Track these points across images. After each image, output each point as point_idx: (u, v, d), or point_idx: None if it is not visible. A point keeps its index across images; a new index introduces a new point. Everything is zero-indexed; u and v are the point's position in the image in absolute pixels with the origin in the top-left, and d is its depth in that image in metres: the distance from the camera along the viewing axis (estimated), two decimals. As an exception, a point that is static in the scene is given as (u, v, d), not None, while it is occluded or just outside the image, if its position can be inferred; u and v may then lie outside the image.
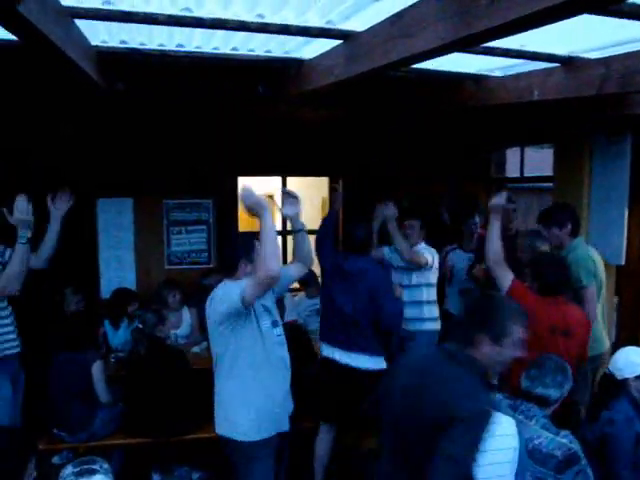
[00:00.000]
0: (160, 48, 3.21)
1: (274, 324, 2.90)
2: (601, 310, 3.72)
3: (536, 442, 2.39)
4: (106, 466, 2.12)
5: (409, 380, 2.08)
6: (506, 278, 3.20)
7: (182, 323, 4.85)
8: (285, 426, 2.90)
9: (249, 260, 2.80)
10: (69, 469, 2.07)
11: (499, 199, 3.40)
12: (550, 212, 3.78)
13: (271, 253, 2.58)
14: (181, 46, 3.20)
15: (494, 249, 3.27)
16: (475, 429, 1.86)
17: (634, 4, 2.12)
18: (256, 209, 2.61)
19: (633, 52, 2.74)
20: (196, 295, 4.65)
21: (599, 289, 3.60)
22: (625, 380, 2.90)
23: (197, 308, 4.67)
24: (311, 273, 5.20)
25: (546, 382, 2.54)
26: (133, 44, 3.13)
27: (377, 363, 3.57)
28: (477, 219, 5.03)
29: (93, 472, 2.05)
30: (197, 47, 3.22)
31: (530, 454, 2.37)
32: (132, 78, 3.82)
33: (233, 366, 2.79)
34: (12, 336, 3.59)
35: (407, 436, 2.02)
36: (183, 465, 4.06)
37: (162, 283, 4.88)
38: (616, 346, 3.70)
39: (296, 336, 3.99)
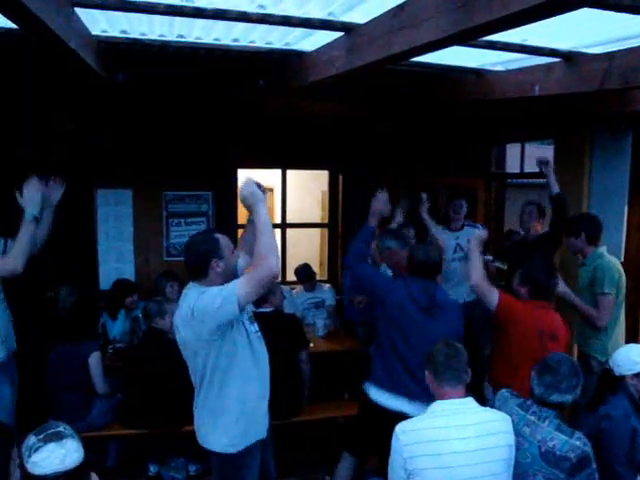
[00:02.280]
0: (161, 39, 3.20)
1: (251, 320, 2.70)
2: (623, 319, 3.77)
3: (550, 444, 2.36)
4: (69, 428, 2.03)
5: None
6: (492, 295, 3.21)
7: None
8: (265, 430, 2.75)
9: (219, 257, 2.53)
10: (32, 439, 1.92)
11: (483, 233, 3.61)
12: (568, 222, 3.89)
13: (270, 248, 2.40)
14: (182, 37, 3.19)
15: (477, 274, 3.29)
16: None
17: (636, -1, 2.12)
18: (250, 200, 2.49)
19: (635, 48, 2.73)
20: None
21: (620, 300, 3.68)
22: (623, 377, 2.90)
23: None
24: (309, 267, 5.21)
25: (562, 388, 2.45)
26: (134, 34, 3.12)
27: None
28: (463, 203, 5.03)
29: (61, 436, 1.91)
30: (198, 38, 3.21)
31: (543, 456, 2.35)
32: (133, 69, 3.82)
33: (225, 377, 2.54)
34: (11, 333, 3.57)
35: None
36: (180, 457, 4.08)
37: (160, 274, 4.88)
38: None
39: (290, 325, 4.01)
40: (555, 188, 3.99)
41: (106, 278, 5.21)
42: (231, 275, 2.61)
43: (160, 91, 4.52)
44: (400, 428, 2.25)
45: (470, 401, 2.27)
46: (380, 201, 3.38)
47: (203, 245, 2.57)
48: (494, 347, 3.48)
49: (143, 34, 3.13)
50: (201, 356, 2.53)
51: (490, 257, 4.42)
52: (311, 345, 4.27)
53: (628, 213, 4.48)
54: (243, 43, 3.26)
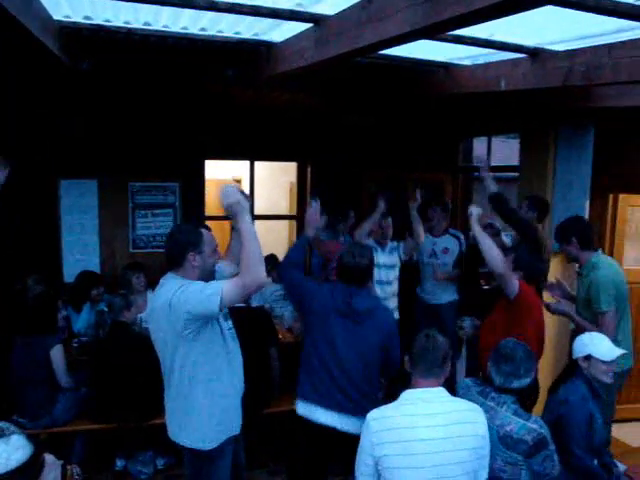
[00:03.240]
0: (126, 26, 3.13)
1: (225, 317, 2.66)
2: (630, 326, 3.67)
3: (507, 428, 2.42)
4: (13, 425, 1.95)
5: None
6: (513, 280, 3.17)
7: (146, 307, 4.78)
8: (239, 427, 2.73)
9: (197, 251, 2.51)
10: None
11: (478, 209, 3.39)
12: (557, 229, 3.71)
13: (257, 257, 2.36)
14: (148, 24, 3.12)
15: (497, 263, 3.17)
16: None
17: (599, -2, 2.16)
18: (235, 209, 2.43)
19: (597, 46, 2.79)
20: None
21: (622, 307, 3.55)
22: (577, 360, 3.00)
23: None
24: (274, 257, 5.20)
25: (520, 374, 2.53)
26: (98, 20, 3.04)
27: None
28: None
29: (2, 433, 1.87)
30: (165, 26, 3.15)
31: (502, 440, 2.41)
32: (98, 56, 3.72)
33: (196, 374, 2.51)
34: None
35: None
36: (147, 450, 4.05)
37: (126, 265, 4.81)
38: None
39: (260, 319, 4.00)
40: (491, 188, 3.95)
41: (70, 271, 5.10)
42: (208, 274, 2.59)
43: (126, 80, 4.43)
44: (371, 415, 2.28)
45: (441, 391, 2.30)
46: (312, 211, 3.25)
47: (184, 235, 2.56)
48: (487, 339, 3.37)
49: (108, 20, 3.05)
50: (173, 349, 2.50)
51: (498, 226, 4.39)
52: (280, 337, 4.27)
53: (590, 206, 4.60)
54: (211, 33, 3.22)
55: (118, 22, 3.08)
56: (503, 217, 3.91)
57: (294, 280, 3.12)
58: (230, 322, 2.70)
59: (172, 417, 2.66)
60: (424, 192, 4.65)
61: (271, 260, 5.26)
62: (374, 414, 2.28)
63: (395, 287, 4.66)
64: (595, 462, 2.92)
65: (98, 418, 3.78)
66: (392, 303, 4.57)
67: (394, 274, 4.63)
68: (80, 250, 5.29)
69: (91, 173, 5.20)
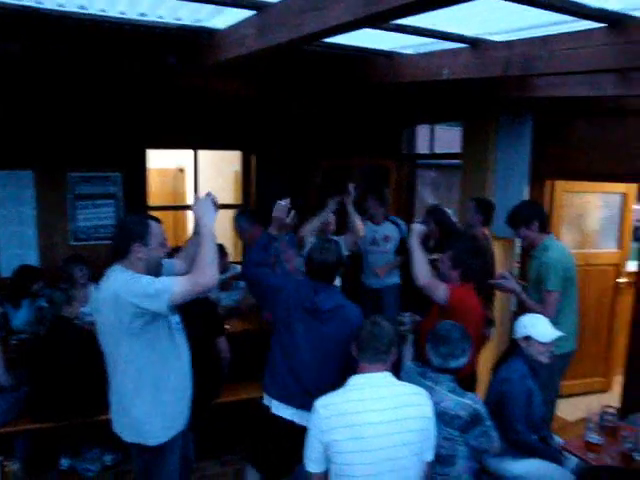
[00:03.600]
0: (59, 9, 2.99)
1: (173, 311, 2.57)
2: (575, 309, 3.76)
3: (443, 405, 2.53)
4: None
5: None
6: (440, 289, 3.22)
7: (89, 301, 4.64)
8: (186, 420, 2.71)
9: (143, 243, 2.48)
10: None
11: (421, 227, 3.46)
12: (516, 211, 3.75)
13: (211, 260, 2.44)
14: (83, 8, 2.99)
15: (422, 274, 3.26)
16: None
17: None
18: (200, 213, 2.56)
19: (534, 37, 2.87)
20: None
21: (569, 291, 3.64)
22: (517, 340, 3.14)
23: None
24: (220, 245, 5.13)
25: (457, 354, 2.67)
26: (27, 2, 2.89)
27: None
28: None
29: None
30: (102, 10, 3.03)
31: (439, 416, 2.50)
32: (30, 40, 3.55)
33: (143, 369, 2.47)
34: None
35: None
36: (94, 447, 3.96)
37: (68, 258, 4.65)
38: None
39: (206, 311, 3.95)
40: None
41: (7, 265, 4.88)
42: (154, 268, 2.56)
43: (61, 66, 4.24)
44: (319, 402, 2.31)
45: (387, 375, 2.35)
46: (280, 210, 3.27)
47: (131, 226, 2.55)
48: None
49: (39, 2, 2.90)
50: (118, 343, 2.46)
51: (435, 256, 4.48)
52: (227, 327, 4.24)
53: (529, 193, 4.76)
54: (151, 18, 3.12)
55: (50, 4, 2.93)
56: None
57: (254, 277, 3.15)
58: (178, 316, 2.66)
59: (118, 413, 2.61)
60: (357, 185, 4.65)
61: (218, 250, 5.21)
62: (322, 401, 2.31)
63: (337, 283, 4.57)
64: (535, 437, 3.08)
65: (40, 417, 3.66)
66: None
67: None
68: (17, 244, 5.07)
69: (26, 164, 4.97)
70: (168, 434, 2.59)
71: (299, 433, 2.76)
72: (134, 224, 2.55)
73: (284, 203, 3.28)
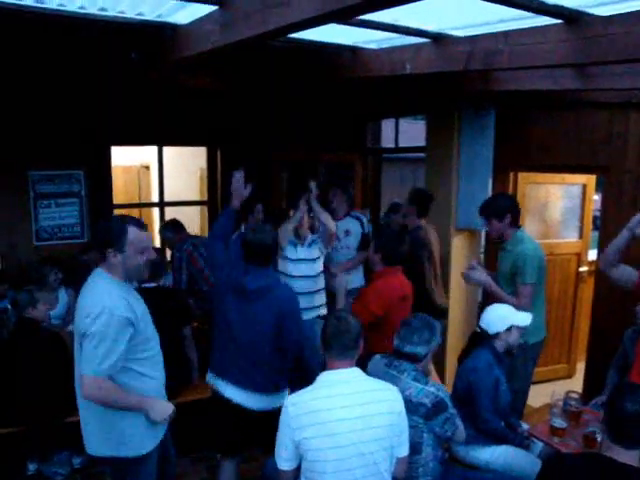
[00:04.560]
0: (16, 2, 2.90)
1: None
2: (544, 299, 3.79)
3: (406, 393, 2.55)
4: None
5: None
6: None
7: (57, 303, 4.54)
8: (164, 429, 2.64)
9: (118, 249, 2.36)
10: None
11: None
12: (489, 202, 3.75)
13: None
14: (40, 2, 2.92)
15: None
16: None
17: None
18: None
19: (494, 33, 2.93)
20: (74, 273, 4.38)
21: (540, 282, 3.64)
22: (497, 334, 3.18)
23: (75, 286, 4.37)
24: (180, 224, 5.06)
25: (414, 340, 2.69)
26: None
27: (273, 402, 2.99)
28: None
29: None
30: (60, 4, 2.96)
31: (404, 404, 2.53)
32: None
33: (128, 383, 2.38)
34: None
35: None
36: (62, 450, 3.89)
37: (40, 260, 4.57)
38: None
39: (172, 298, 3.92)
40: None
41: (-34, 267, 4.76)
42: (134, 274, 2.48)
43: (19, 61, 4.14)
44: (289, 401, 2.31)
45: (356, 371, 2.36)
46: (236, 181, 3.27)
47: (102, 233, 2.47)
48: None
49: (-6, -3, 2.82)
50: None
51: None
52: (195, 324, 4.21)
53: (492, 185, 4.84)
54: (112, 13, 3.06)
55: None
56: None
57: (214, 251, 3.20)
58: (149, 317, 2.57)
59: (89, 427, 2.47)
60: (319, 182, 4.65)
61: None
62: (292, 399, 2.31)
63: (322, 281, 4.53)
64: (502, 423, 3.15)
65: (4, 421, 3.57)
66: (322, 297, 4.49)
67: (319, 267, 4.49)
68: (-24, 245, 4.94)
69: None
70: (155, 441, 2.54)
71: (241, 412, 2.96)
72: (109, 229, 2.42)
73: (239, 175, 3.28)
